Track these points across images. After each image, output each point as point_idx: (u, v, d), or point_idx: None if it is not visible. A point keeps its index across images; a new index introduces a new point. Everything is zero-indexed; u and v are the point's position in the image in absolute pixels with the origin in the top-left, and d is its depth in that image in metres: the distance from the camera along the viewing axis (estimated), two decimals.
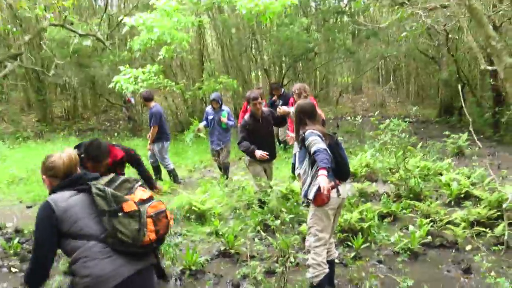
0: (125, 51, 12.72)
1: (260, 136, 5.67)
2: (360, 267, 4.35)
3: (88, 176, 2.40)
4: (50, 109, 17.21)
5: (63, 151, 2.48)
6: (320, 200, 3.47)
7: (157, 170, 8.03)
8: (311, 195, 3.51)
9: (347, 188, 3.72)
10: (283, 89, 10.23)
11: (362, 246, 4.65)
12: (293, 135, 5.06)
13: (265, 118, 5.79)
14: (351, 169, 7.45)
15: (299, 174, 3.83)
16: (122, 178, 2.42)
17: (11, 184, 8.07)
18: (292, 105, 6.09)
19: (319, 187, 3.41)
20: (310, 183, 3.55)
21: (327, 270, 3.59)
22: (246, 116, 5.84)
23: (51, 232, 2.20)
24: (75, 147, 3.73)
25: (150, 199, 2.35)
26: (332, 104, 18.81)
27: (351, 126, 13.15)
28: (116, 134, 13.29)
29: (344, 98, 20.27)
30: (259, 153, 5.47)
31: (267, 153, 5.52)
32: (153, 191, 4.28)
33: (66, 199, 2.25)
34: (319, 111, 5.46)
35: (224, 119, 7.53)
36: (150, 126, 7.75)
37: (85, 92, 18.16)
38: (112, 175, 2.43)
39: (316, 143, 3.39)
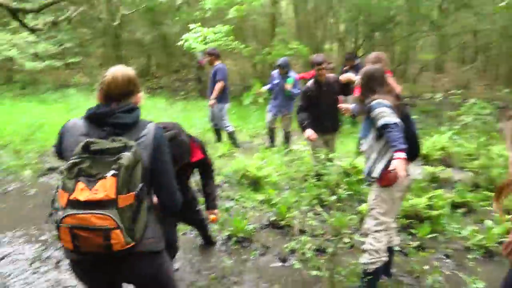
0: (197, 11, 12.58)
1: (323, 104, 5.22)
2: (423, 259, 3.88)
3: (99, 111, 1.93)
4: (125, 65, 17.73)
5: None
6: (386, 180, 3.05)
7: (218, 133, 7.90)
8: (376, 173, 3.10)
9: (417, 169, 3.25)
10: (357, 60, 9.55)
11: (428, 236, 4.16)
12: (348, 106, 4.55)
13: (330, 85, 5.29)
14: (423, 151, 6.83)
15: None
16: (108, 145, 1.82)
17: None
18: None
19: (386, 165, 3.01)
20: (376, 159, 3.14)
21: (385, 259, 3.20)
22: (309, 82, 5.42)
23: None
24: None
25: (87, 203, 1.70)
26: (409, 82, 17.58)
27: (428, 105, 12.18)
28: (182, 92, 13.34)
29: (424, 76, 18.86)
30: (308, 133, 5.03)
31: (316, 136, 5.01)
32: (207, 213, 3.59)
33: None
34: (394, 83, 4.92)
35: (288, 86, 7.13)
36: (215, 82, 7.46)
37: (158, 51, 18.49)
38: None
39: (385, 115, 2.94)
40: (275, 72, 7.51)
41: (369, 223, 3.23)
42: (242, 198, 5.21)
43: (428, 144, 7.05)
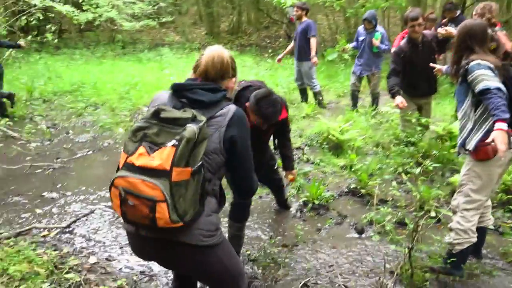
0: None
1: (418, 66, 4.60)
2: None
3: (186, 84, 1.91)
4: (217, 23, 17.93)
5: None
6: (483, 153, 2.67)
7: (304, 93, 7.66)
8: (471, 145, 2.72)
9: None
10: (458, 12, 8.40)
11: None
12: (441, 67, 4.01)
13: (427, 44, 4.65)
14: None
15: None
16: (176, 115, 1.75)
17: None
18: None
19: (483, 136, 2.63)
20: (471, 129, 2.74)
21: (474, 240, 2.86)
22: (403, 42, 4.81)
23: None
24: (241, 90, 2.93)
25: (141, 169, 1.66)
26: None
27: None
28: (270, 50, 13.12)
29: None
30: (398, 100, 4.53)
31: (406, 104, 4.44)
32: (285, 176, 3.60)
33: None
34: (504, 39, 4.24)
35: (376, 41, 6.56)
36: (304, 38, 7.07)
37: (249, 8, 18.31)
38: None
39: (485, 79, 2.52)
40: (361, 28, 6.95)
41: (459, 200, 2.89)
42: (322, 162, 5.03)
43: None
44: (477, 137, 2.69)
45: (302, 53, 7.20)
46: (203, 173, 1.77)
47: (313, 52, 7.07)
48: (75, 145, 5.99)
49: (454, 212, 2.95)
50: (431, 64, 4.14)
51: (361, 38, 6.85)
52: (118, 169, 1.78)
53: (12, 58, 9.91)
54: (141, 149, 1.70)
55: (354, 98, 7.18)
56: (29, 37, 9.33)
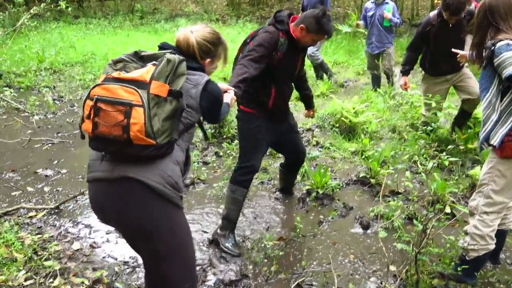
0: None
1: (445, 45, 4.01)
2: None
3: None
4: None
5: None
6: (509, 149, 2.30)
7: (318, 70, 7.23)
8: (496, 140, 2.33)
9: None
10: None
11: None
12: (465, 53, 3.50)
13: (458, 20, 4.08)
14: None
15: None
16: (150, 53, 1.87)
17: None
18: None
19: (510, 130, 2.27)
20: (497, 121, 2.34)
21: (492, 247, 2.52)
22: (432, 13, 4.28)
23: None
24: (276, 14, 3.00)
25: (121, 80, 1.69)
26: None
27: None
28: None
29: None
30: (401, 81, 4.07)
31: (408, 86, 4.10)
32: (306, 115, 3.67)
33: None
34: None
35: (388, 14, 6.05)
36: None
37: None
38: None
39: None
40: (369, 3, 6.41)
41: (478, 201, 2.53)
42: (332, 146, 4.70)
43: None
44: (504, 130, 2.30)
45: None
46: (180, 104, 1.77)
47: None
48: (79, 119, 5.80)
49: (472, 214, 2.60)
50: (454, 50, 3.67)
51: (370, 14, 6.32)
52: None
53: (25, 27, 9.75)
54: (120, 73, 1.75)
55: (375, 79, 6.69)
56: (42, 5, 9.11)
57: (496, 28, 2.31)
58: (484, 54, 2.33)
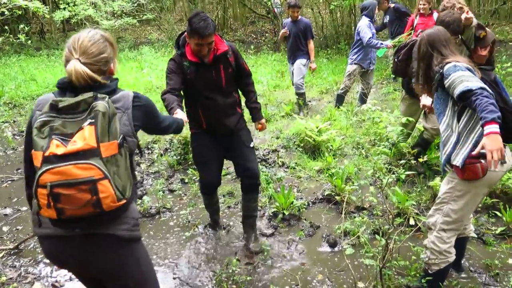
0: None
1: None
2: (507, 250, 3.17)
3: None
4: None
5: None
6: (471, 172, 2.30)
7: (302, 96, 6.80)
8: (458, 161, 2.33)
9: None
10: (391, 2, 8.00)
11: None
12: (425, 102, 3.18)
13: None
14: None
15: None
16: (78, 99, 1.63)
17: (147, 91, 8.32)
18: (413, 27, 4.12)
19: (471, 151, 2.27)
20: (456, 142, 2.37)
21: (452, 259, 2.57)
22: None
23: None
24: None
25: (66, 156, 1.50)
26: None
27: None
28: (253, 47, 12.74)
29: None
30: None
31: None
32: (255, 124, 3.40)
33: None
34: (487, 30, 3.93)
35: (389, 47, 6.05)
36: (301, 38, 6.50)
37: (235, 3, 17.95)
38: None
39: (464, 80, 2.18)
40: (368, 21, 6.24)
41: (436, 218, 2.55)
42: (298, 166, 4.73)
43: None
44: (465, 151, 2.31)
45: (299, 53, 6.60)
46: (128, 146, 1.71)
47: (312, 57, 6.60)
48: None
49: (430, 229, 2.65)
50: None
51: (373, 31, 6.21)
52: (35, 171, 1.55)
53: None
54: (55, 141, 1.55)
55: (365, 97, 6.64)
56: (0, 39, 8.95)
57: (441, 55, 2.42)
58: (434, 79, 2.40)
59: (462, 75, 2.22)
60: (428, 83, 2.50)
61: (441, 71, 2.34)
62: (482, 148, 2.01)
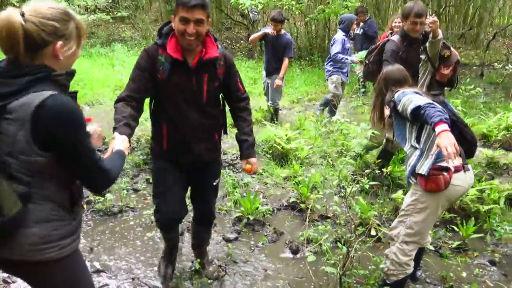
0: None
1: (411, 68, 3.74)
2: (462, 264, 3.28)
3: None
4: None
5: None
6: (433, 184, 2.38)
7: (276, 111, 6.71)
8: (424, 170, 2.41)
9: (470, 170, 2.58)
10: (368, 16, 8.54)
11: (472, 236, 3.52)
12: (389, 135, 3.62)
13: (418, 43, 4.02)
14: (483, 130, 5.96)
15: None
16: None
17: (117, 89, 8.16)
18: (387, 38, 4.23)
19: (435, 162, 2.39)
20: (420, 155, 2.50)
21: (410, 271, 2.64)
22: (396, 38, 4.00)
23: None
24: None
25: None
26: (480, 49, 15.82)
27: (498, 77, 10.84)
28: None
29: (499, 42, 16.91)
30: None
31: None
32: (242, 163, 2.67)
33: None
34: (452, 50, 4.10)
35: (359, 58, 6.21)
36: (278, 54, 6.24)
37: (212, 8, 17.95)
38: None
39: (413, 100, 2.42)
40: (342, 35, 6.35)
41: (399, 230, 2.63)
42: (265, 173, 4.75)
43: (491, 122, 6.15)
44: (429, 161, 2.41)
45: (276, 71, 6.35)
46: (7, 172, 1.42)
47: (282, 74, 6.29)
48: None
49: (392, 240, 2.72)
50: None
51: (347, 46, 6.35)
52: None
53: None
54: None
55: (334, 109, 6.73)
56: None
57: (392, 88, 2.70)
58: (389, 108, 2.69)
59: (410, 97, 2.46)
60: (382, 115, 2.88)
61: (393, 98, 2.60)
62: (438, 147, 2.12)
